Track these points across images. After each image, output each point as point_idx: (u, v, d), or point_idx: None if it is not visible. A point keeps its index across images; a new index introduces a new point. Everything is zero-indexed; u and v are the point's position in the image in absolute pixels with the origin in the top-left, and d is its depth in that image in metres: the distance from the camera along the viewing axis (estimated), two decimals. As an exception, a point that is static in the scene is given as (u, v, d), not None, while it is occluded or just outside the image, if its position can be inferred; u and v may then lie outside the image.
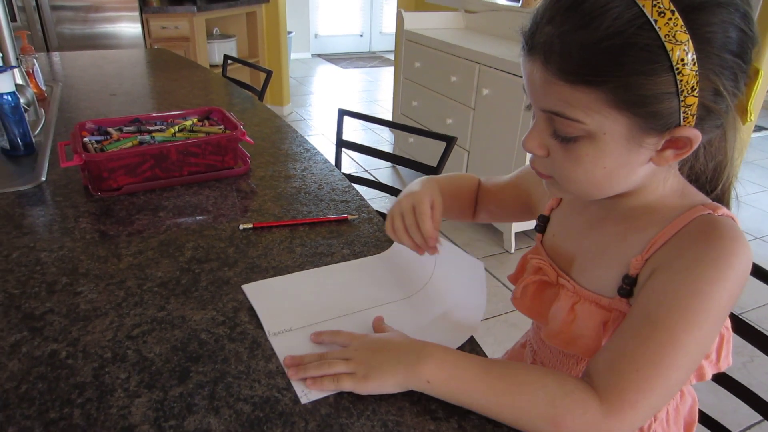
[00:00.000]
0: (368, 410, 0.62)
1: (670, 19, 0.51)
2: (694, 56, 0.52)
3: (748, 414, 0.93)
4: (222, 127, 1.21)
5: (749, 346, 0.86)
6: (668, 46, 0.51)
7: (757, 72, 0.58)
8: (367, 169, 3.56)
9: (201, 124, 1.23)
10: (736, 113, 0.60)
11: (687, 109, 0.55)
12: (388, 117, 4.49)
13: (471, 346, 0.73)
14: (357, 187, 1.18)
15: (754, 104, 0.60)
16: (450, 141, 1.47)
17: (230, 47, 3.97)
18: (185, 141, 1.11)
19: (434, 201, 0.79)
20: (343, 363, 0.64)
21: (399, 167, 3.61)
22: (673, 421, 0.77)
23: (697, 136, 0.56)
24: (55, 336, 0.71)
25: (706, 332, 0.57)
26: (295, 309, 0.78)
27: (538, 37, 0.57)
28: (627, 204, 0.68)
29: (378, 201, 3.01)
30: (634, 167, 0.60)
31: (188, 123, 1.20)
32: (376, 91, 5.63)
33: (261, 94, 2.14)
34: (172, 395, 0.63)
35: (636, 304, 0.62)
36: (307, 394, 0.63)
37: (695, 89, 0.54)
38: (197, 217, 1.01)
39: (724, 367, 0.70)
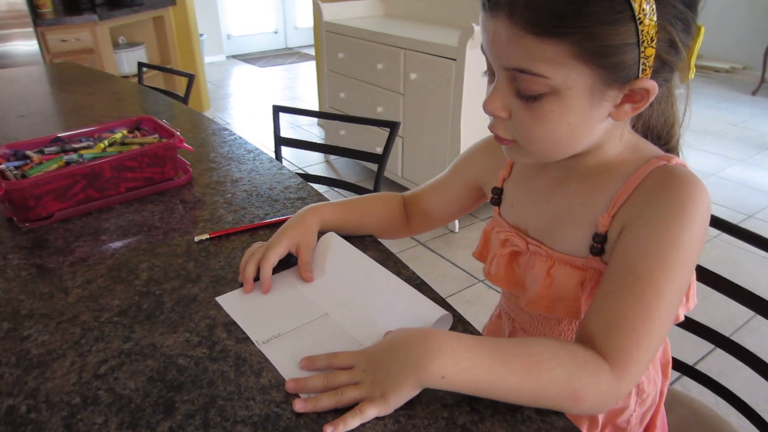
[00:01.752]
0: (377, 411, 0.58)
1: None
2: (653, 6, 0.53)
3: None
4: (156, 136, 1.13)
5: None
6: None
7: (699, 28, 0.59)
8: (300, 166, 3.49)
9: (132, 135, 1.14)
10: (677, 71, 0.61)
11: (646, 61, 0.56)
12: (314, 112, 4.41)
13: (464, 327, 0.70)
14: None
15: (694, 61, 0.61)
16: (393, 126, 1.44)
17: (139, 56, 3.77)
18: (119, 155, 1.03)
19: (299, 243, 0.81)
20: (354, 389, 0.58)
21: (333, 161, 3.55)
22: (652, 365, 0.79)
23: (654, 87, 0.57)
24: (8, 390, 0.62)
25: (683, 278, 0.60)
26: (276, 313, 0.73)
27: None
28: (585, 163, 0.69)
29: (330, 194, 2.95)
30: (595, 123, 0.61)
31: (118, 136, 1.11)
32: (297, 87, 5.53)
33: (185, 100, 2.04)
34: (160, 431, 0.56)
35: (615, 262, 0.62)
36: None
37: (654, 40, 0.55)
38: (145, 236, 0.93)
39: (691, 308, 0.72)
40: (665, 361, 0.83)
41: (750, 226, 2.75)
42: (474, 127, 2.45)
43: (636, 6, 0.52)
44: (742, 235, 0.90)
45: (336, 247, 0.83)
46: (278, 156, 1.65)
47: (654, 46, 0.55)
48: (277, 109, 1.64)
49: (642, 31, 0.53)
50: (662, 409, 0.82)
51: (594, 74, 0.56)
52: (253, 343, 0.68)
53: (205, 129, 1.43)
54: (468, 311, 2.11)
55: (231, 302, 0.75)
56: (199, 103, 4.25)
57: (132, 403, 0.60)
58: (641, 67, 0.56)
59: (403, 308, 0.69)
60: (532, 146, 0.63)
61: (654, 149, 0.68)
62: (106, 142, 1.08)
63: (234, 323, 0.71)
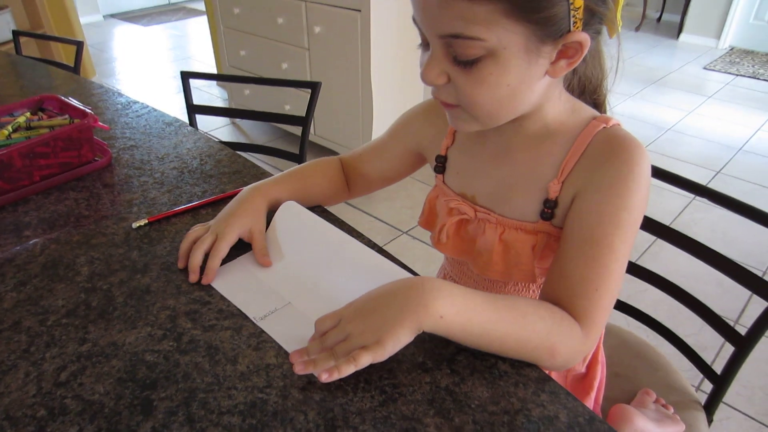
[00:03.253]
0: (361, 382, 0.59)
1: None
2: None
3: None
4: (66, 117, 1.04)
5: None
6: None
7: None
8: (205, 130, 3.34)
9: (37, 117, 1.04)
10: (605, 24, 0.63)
11: (575, 13, 0.57)
12: (212, 71, 4.21)
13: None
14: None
15: (620, 13, 0.64)
16: (315, 87, 1.41)
17: (5, 21, 3.39)
18: (28, 141, 0.94)
19: (251, 229, 0.79)
20: (346, 343, 0.59)
21: (239, 122, 3.43)
22: None
23: (586, 39, 0.59)
24: (-41, 410, 0.58)
25: (632, 236, 0.65)
26: (267, 289, 0.73)
27: None
28: (527, 128, 0.71)
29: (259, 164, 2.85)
30: (533, 82, 0.63)
31: (21, 119, 1.01)
32: (189, 46, 5.22)
33: (76, 69, 1.87)
34: (143, 433, 0.55)
35: (572, 229, 0.66)
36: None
37: None
38: (75, 227, 0.87)
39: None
40: None
41: (641, 159, 2.98)
42: (386, 81, 2.45)
43: None
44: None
45: (294, 219, 0.81)
46: (193, 125, 1.57)
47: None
48: (186, 75, 1.55)
49: None
50: (601, 343, 0.89)
51: (527, 31, 0.56)
52: (222, 330, 0.67)
53: (113, 103, 1.34)
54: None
55: (222, 282, 0.74)
56: (83, 69, 3.91)
57: (105, 407, 0.57)
58: (572, 19, 0.57)
59: (371, 280, 0.68)
60: (476, 110, 0.64)
61: (588, 110, 0.72)
62: (9, 127, 0.98)
63: (197, 311, 0.69)
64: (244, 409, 0.57)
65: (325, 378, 0.56)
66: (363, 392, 0.58)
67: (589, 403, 0.85)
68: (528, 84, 0.62)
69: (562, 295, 0.64)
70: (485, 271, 0.76)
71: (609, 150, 0.66)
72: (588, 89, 0.75)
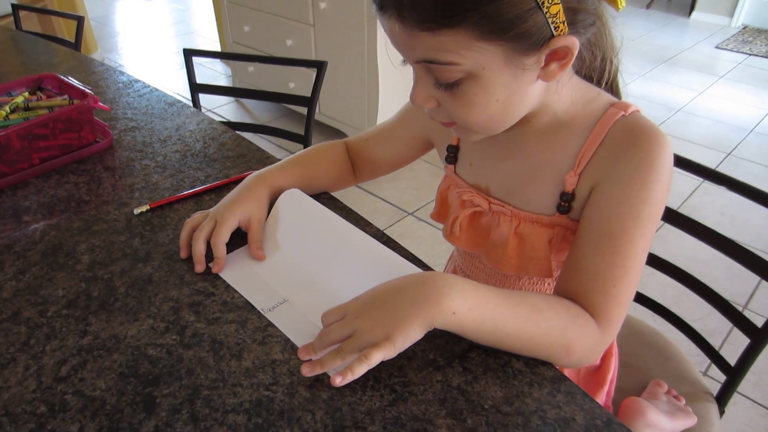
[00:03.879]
0: (370, 380, 0.57)
1: None
2: None
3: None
4: (66, 97, 1.01)
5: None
6: None
7: None
8: (209, 108, 3.30)
9: (35, 98, 1.01)
10: (606, 1, 0.59)
11: (554, 19, 0.53)
12: (215, 48, 4.15)
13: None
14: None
15: None
16: (320, 66, 1.38)
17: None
18: (27, 123, 0.91)
19: (250, 218, 0.76)
20: (353, 340, 0.56)
21: (242, 99, 3.39)
22: None
23: (573, 43, 0.55)
24: (-43, 405, 0.56)
25: (653, 229, 0.62)
26: (274, 279, 0.71)
27: None
28: (537, 123, 0.68)
29: (262, 143, 2.82)
30: (525, 90, 0.59)
31: (19, 99, 0.98)
32: (192, 21, 5.14)
33: (77, 46, 1.84)
34: (146, 431, 0.53)
35: (590, 222, 0.63)
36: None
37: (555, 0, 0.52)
38: (75, 212, 0.85)
39: None
40: None
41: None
42: (395, 56, 2.39)
43: None
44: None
45: (296, 207, 0.78)
46: (196, 105, 1.54)
47: (558, 2, 0.52)
48: (189, 53, 1.51)
49: None
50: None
51: (503, 49, 0.53)
52: (227, 323, 0.65)
53: (114, 81, 1.30)
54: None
55: (229, 273, 0.72)
56: (84, 44, 3.86)
57: (107, 404, 0.56)
58: (552, 26, 0.53)
59: (378, 274, 0.64)
60: (472, 127, 0.62)
61: (605, 97, 0.68)
62: (7, 108, 0.95)
63: (201, 303, 0.67)
64: (249, 408, 0.55)
65: (339, 382, 0.55)
66: (372, 391, 0.56)
67: (602, 396, 0.83)
68: (520, 94, 0.59)
69: (578, 291, 0.62)
70: (499, 265, 0.74)
71: (629, 140, 0.62)
72: (594, 75, 0.69)
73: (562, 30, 0.53)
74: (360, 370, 0.55)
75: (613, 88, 0.72)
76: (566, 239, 0.70)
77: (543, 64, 0.56)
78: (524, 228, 0.71)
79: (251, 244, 0.75)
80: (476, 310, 0.56)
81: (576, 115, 0.66)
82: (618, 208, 0.61)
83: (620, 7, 0.59)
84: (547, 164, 0.69)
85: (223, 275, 0.71)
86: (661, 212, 0.63)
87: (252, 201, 0.77)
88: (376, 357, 0.55)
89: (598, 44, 0.65)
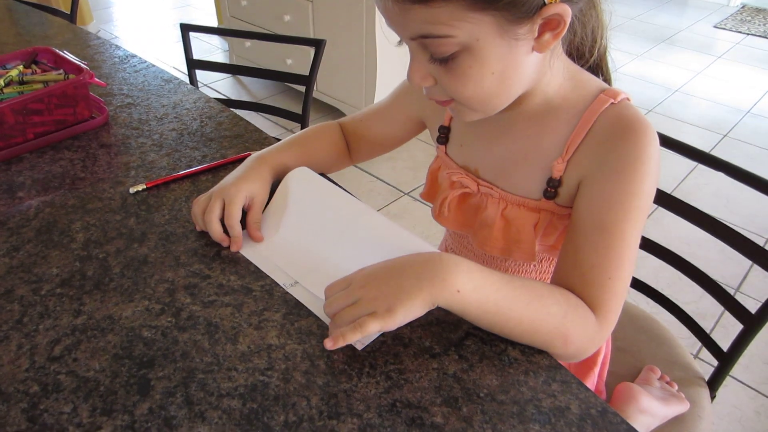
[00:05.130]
0: (366, 367, 0.57)
1: None
2: None
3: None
4: (61, 71, 0.99)
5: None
6: None
7: None
8: (204, 82, 3.26)
9: (30, 72, 1.00)
10: None
11: None
12: (212, 21, 4.09)
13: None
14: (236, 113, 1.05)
15: None
16: (319, 45, 1.36)
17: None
18: (21, 97, 0.90)
19: (254, 198, 0.75)
20: (354, 308, 0.56)
21: (240, 76, 3.35)
22: None
23: (566, 11, 0.54)
24: (-50, 383, 0.56)
25: (643, 220, 0.63)
26: (283, 260, 0.70)
27: None
28: (529, 104, 0.68)
29: (258, 121, 2.79)
30: (520, 62, 0.59)
31: (14, 73, 0.96)
32: (188, -8, 5.06)
33: (72, 18, 1.80)
34: (140, 414, 0.53)
35: (582, 215, 0.64)
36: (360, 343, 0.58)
37: None
38: (70, 189, 0.84)
39: None
40: None
41: (650, 120, 2.91)
42: (391, 36, 2.36)
43: None
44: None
45: (307, 185, 0.76)
46: (192, 81, 1.52)
47: None
48: (186, 28, 1.49)
49: None
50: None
51: (496, 19, 0.53)
52: (223, 306, 0.64)
53: (110, 56, 1.28)
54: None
55: (250, 249, 0.72)
56: (80, 14, 3.79)
57: (100, 385, 0.56)
58: None
59: (388, 252, 0.62)
60: (469, 103, 0.62)
61: (594, 82, 0.67)
62: (1, 81, 0.94)
63: (197, 285, 0.67)
64: (244, 392, 0.55)
65: (329, 346, 0.55)
66: (368, 377, 0.56)
67: (593, 379, 0.83)
68: (515, 66, 0.58)
69: (575, 284, 0.62)
70: (485, 246, 0.74)
71: (617, 132, 0.63)
72: (583, 50, 0.69)
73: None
74: (352, 337, 0.55)
75: (602, 70, 0.72)
76: (552, 224, 0.71)
77: (536, 34, 0.56)
78: (511, 211, 0.72)
79: (250, 225, 0.74)
80: (480, 290, 0.56)
81: (566, 98, 0.66)
82: (609, 203, 0.62)
83: None
84: (536, 149, 0.69)
85: (244, 252, 0.72)
86: (650, 203, 0.63)
87: (256, 180, 0.76)
88: (372, 326, 0.54)
89: (587, 20, 0.66)
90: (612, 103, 0.64)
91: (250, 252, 0.72)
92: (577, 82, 0.67)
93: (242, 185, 0.74)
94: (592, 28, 0.66)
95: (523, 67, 0.59)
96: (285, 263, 0.70)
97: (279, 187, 0.78)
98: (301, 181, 0.77)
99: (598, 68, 0.72)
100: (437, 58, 0.57)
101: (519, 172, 0.71)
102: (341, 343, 0.55)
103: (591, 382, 0.83)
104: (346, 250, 0.69)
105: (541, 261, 0.80)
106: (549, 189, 0.68)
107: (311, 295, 0.65)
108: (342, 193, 0.75)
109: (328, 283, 0.62)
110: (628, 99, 0.65)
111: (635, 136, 0.61)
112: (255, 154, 0.79)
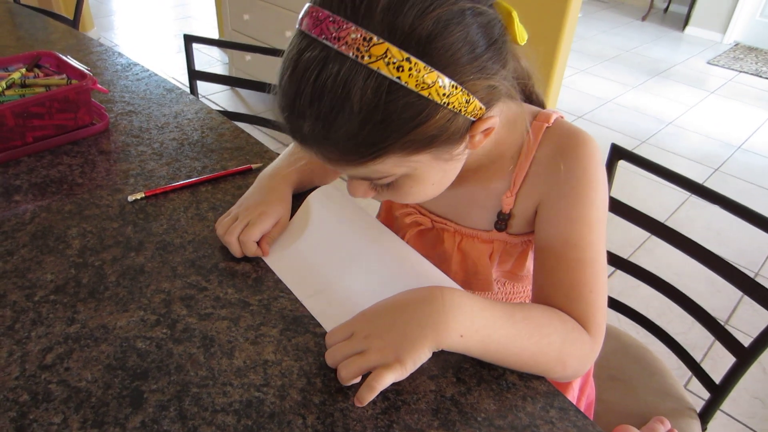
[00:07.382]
0: (363, 386, 0.56)
1: (410, 68, 0.47)
2: (453, 81, 0.49)
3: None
4: (64, 76, 0.99)
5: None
6: (425, 93, 0.48)
7: (509, 13, 0.55)
8: (203, 95, 3.26)
9: (33, 75, 0.99)
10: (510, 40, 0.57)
11: (472, 114, 0.53)
12: (213, 34, 4.11)
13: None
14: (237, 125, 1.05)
15: (520, 33, 0.56)
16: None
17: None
18: (22, 100, 0.89)
19: (280, 220, 0.75)
20: (362, 360, 0.54)
21: (238, 89, 3.35)
22: None
23: (493, 120, 0.55)
24: (-63, 388, 0.55)
25: (605, 226, 0.64)
26: (310, 269, 0.71)
27: (300, 132, 0.52)
28: (472, 160, 0.67)
29: (259, 135, 2.79)
30: (457, 164, 0.61)
31: (16, 76, 0.96)
32: (189, 4, 5.09)
33: (75, 23, 1.81)
34: (132, 427, 0.52)
35: (548, 236, 0.65)
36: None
37: (470, 100, 0.51)
38: (67, 195, 0.83)
39: None
40: None
41: (643, 151, 2.95)
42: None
43: (435, 98, 0.48)
44: (637, 161, 0.96)
45: (329, 207, 0.76)
46: (193, 91, 1.52)
47: (473, 100, 0.52)
48: (190, 39, 1.49)
49: (453, 106, 0.50)
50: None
51: (432, 152, 0.54)
52: (219, 319, 0.63)
53: (113, 63, 1.28)
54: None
55: (274, 259, 0.73)
56: (81, 21, 3.81)
57: (92, 396, 0.54)
58: (471, 118, 0.53)
59: (403, 281, 0.62)
60: (411, 202, 0.63)
61: (525, 113, 0.67)
62: (3, 83, 0.93)
63: (193, 297, 0.66)
64: (239, 408, 0.54)
65: (356, 403, 0.53)
66: (365, 397, 0.55)
67: (573, 394, 0.82)
68: (454, 169, 0.61)
69: (561, 304, 0.62)
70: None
71: (560, 151, 0.65)
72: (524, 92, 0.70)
73: (478, 115, 0.54)
74: (375, 394, 0.52)
75: (534, 96, 0.72)
76: (506, 251, 0.73)
77: (469, 141, 0.57)
78: (466, 243, 0.74)
79: (264, 237, 0.73)
80: (483, 331, 0.56)
81: (505, 142, 0.67)
82: (570, 219, 0.63)
83: (521, 42, 0.56)
84: (484, 190, 0.71)
85: (268, 261, 0.72)
86: (607, 209, 0.65)
87: (281, 203, 0.76)
88: (389, 379, 0.53)
89: (516, 74, 0.64)
90: (547, 127, 0.66)
91: (274, 262, 0.72)
92: (512, 123, 0.66)
93: (269, 210, 0.74)
94: (523, 78, 0.66)
95: (461, 162, 0.61)
96: (296, 280, 0.70)
97: (302, 206, 0.78)
98: (325, 201, 0.77)
99: (529, 97, 0.72)
100: (379, 184, 0.59)
101: (472, 209, 0.73)
102: (368, 400, 0.52)
103: (572, 395, 0.82)
104: (359, 274, 0.68)
105: (505, 284, 0.81)
106: (499, 222, 0.71)
107: (325, 307, 0.65)
108: (364, 213, 0.75)
109: (334, 304, 0.62)
110: (561, 117, 0.67)
111: (577, 150, 0.64)
112: (270, 173, 0.79)
